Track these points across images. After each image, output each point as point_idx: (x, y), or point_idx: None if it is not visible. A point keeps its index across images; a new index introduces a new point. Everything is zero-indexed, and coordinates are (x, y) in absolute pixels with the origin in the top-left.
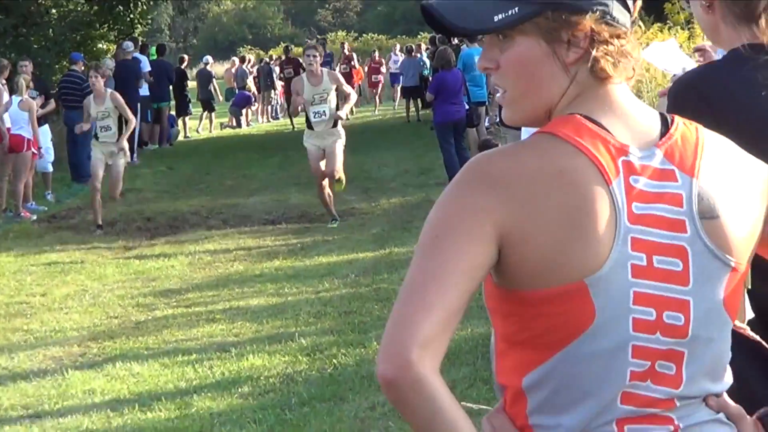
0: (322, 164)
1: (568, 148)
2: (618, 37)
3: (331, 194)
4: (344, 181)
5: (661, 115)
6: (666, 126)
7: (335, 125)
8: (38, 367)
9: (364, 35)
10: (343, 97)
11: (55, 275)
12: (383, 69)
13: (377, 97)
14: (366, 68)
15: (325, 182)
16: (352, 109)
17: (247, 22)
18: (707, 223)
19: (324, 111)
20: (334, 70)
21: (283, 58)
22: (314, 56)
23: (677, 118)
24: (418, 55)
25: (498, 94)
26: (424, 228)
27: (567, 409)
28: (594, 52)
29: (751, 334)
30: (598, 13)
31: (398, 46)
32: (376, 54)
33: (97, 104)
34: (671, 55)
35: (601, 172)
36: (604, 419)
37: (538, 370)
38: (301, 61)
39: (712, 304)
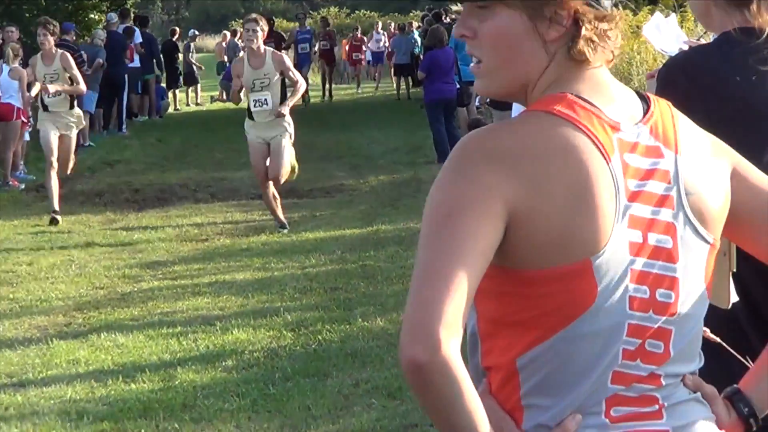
0: (267, 161)
1: (567, 125)
2: (602, 19)
3: (277, 196)
4: (297, 170)
5: (637, 92)
6: (646, 104)
7: (281, 116)
8: (23, 335)
9: (357, 12)
10: (290, 84)
11: (42, 244)
12: (365, 47)
13: (357, 76)
14: (347, 46)
15: (270, 184)
16: (329, 88)
17: None
18: (690, 199)
19: (265, 99)
20: (314, 47)
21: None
22: (254, 31)
23: (652, 96)
24: (411, 32)
25: (472, 64)
26: (429, 207)
27: (562, 389)
28: (575, 33)
29: (712, 336)
30: None
31: (380, 24)
32: (359, 32)
33: (46, 65)
34: (670, 33)
35: (600, 149)
36: (595, 399)
37: (534, 350)
38: (283, 35)
39: (695, 281)
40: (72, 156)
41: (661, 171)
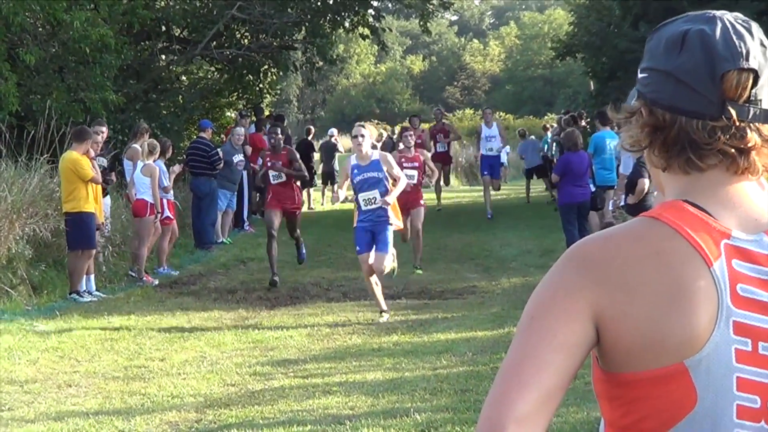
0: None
1: (666, 230)
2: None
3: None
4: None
5: None
6: None
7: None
8: (154, 431)
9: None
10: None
11: (175, 341)
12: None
13: None
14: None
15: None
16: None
17: (375, 96)
18: None
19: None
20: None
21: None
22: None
23: None
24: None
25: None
26: (524, 310)
27: None
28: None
29: None
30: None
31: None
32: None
33: None
34: None
35: (701, 253)
36: None
37: None
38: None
39: None
40: None
41: None
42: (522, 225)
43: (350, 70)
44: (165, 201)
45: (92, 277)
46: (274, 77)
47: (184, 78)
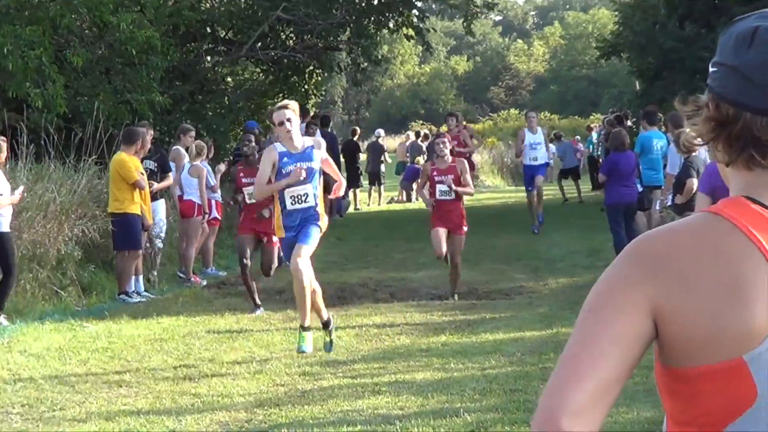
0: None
1: (726, 225)
2: None
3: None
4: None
5: None
6: None
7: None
8: (204, 430)
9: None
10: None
11: (224, 341)
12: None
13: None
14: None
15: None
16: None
17: (419, 97)
18: None
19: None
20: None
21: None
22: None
23: None
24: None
25: None
26: (584, 302)
27: None
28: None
29: None
30: None
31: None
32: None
33: None
34: None
35: (760, 249)
36: None
37: None
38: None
39: None
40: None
41: None
42: (569, 225)
43: (395, 70)
44: (213, 201)
45: (141, 278)
46: (319, 78)
47: (229, 79)
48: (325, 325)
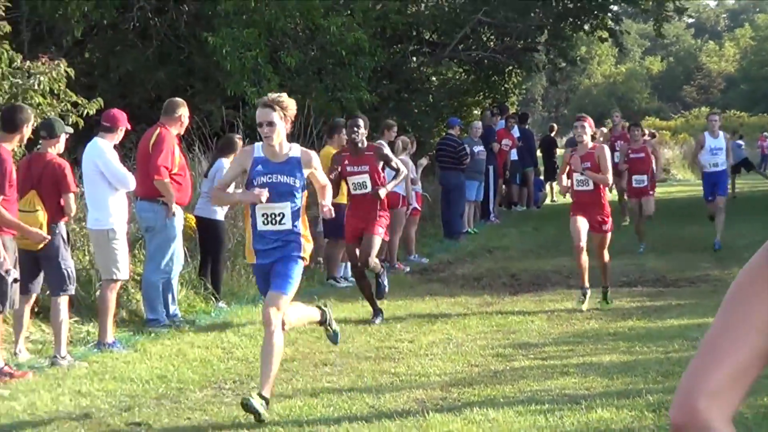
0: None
1: None
2: None
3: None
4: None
5: None
6: None
7: None
8: (402, 407)
9: (727, 111)
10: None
11: (423, 324)
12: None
13: None
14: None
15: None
16: None
17: (615, 95)
18: None
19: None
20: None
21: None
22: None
23: None
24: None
25: None
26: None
27: None
28: None
29: None
30: None
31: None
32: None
33: None
34: None
35: None
36: None
37: None
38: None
39: None
40: None
41: None
42: (755, 217)
43: (592, 70)
44: (414, 193)
45: (349, 264)
46: (519, 78)
47: (434, 78)
48: (321, 323)
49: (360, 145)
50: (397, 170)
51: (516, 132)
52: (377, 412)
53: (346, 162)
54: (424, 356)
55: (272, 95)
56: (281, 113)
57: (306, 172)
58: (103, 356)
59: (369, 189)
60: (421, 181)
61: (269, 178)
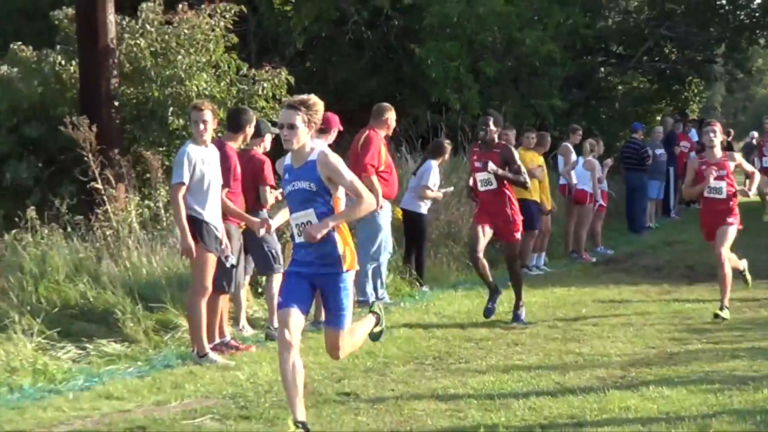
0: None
1: None
2: None
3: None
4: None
5: None
6: None
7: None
8: (584, 384)
9: None
10: None
11: (607, 309)
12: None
13: None
14: None
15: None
16: None
17: None
18: None
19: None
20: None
21: None
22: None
23: None
24: None
25: None
26: None
27: None
28: None
29: None
30: None
31: None
32: None
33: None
34: None
35: None
36: None
37: None
38: None
39: None
40: None
41: None
42: None
43: None
44: (600, 191)
45: (543, 254)
46: (698, 87)
47: (620, 87)
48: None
49: (490, 142)
50: (517, 173)
51: (694, 136)
52: (562, 388)
53: (474, 158)
54: (607, 338)
55: (300, 96)
56: (306, 116)
57: (322, 174)
58: (318, 333)
59: (495, 186)
60: (606, 180)
61: (292, 186)
